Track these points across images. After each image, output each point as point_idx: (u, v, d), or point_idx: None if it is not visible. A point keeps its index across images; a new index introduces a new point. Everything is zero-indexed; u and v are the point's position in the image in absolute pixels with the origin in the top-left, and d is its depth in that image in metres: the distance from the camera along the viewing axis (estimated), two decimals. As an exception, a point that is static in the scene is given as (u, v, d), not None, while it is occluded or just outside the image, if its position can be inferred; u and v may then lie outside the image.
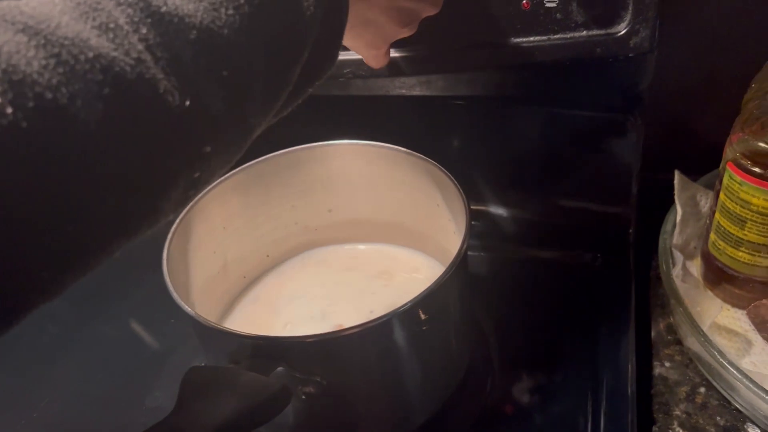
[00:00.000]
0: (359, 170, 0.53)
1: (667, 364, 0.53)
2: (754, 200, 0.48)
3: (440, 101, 0.59)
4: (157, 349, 0.59)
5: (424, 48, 0.54)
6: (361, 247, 0.58)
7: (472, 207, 0.52)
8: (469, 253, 0.45)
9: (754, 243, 0.50)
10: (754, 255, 0.51)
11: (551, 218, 0.62)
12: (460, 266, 0.43)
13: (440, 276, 0.41)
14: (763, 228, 0.49)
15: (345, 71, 0.56)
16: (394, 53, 0.54)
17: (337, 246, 0.58)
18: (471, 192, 0.54)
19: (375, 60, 0.48)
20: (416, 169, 0.51)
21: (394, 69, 0.55)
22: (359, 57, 0.52)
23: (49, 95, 0.21)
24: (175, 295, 0.41)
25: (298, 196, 0.55)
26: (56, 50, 0.22)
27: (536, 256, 0.61)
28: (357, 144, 0.52)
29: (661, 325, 0.56)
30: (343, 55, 0.55)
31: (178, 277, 0.44)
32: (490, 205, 0.63)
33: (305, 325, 0.50)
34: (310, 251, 0.57)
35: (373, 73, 0.56)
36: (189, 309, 0.40)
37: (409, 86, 0.58)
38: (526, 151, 0.61)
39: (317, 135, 0.54)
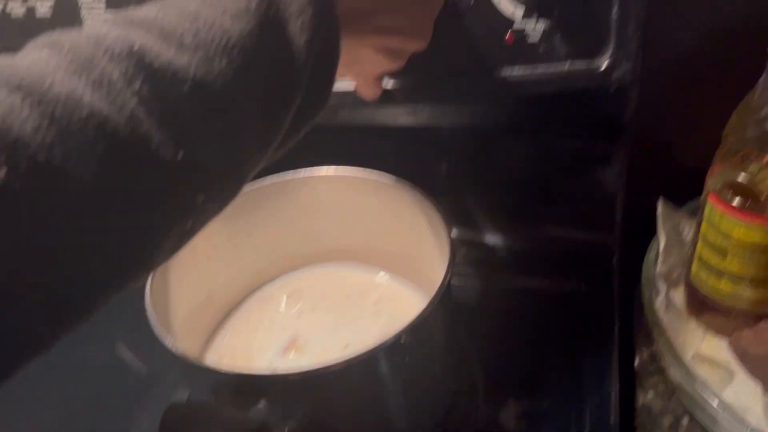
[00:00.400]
0: (345, 197, 0.54)
1: (651, 394, 0.53)
2: (735, 232, 0.49)
3: (426, 130, 0.60)
4: (142, 375, 0.59)
5: (410, 79, 0.54)
6: (347, 274, 0.58)
7: (458, 235, 0.52)
8: (453, 280, 0.45)
9: (735, 274, 0.50)
10: (736, 286, 0.51)
11: (536, 246, 0.62)
12: (443, 298, 0.43)
13: (424, 308, 0.41)
14: (744, 259, 0.49)
15: (332, 101, 0.56)
16: (379, 83, 0.54)
17: (322, 273, 0.58)
18: (457, 220, 0.55)
19: (366, 91, 0.48)
20: (401, 197, 0.51)
21: (380, 99, 0.55)
22: (347, 88, 0.53)
23: (42, 155, 0.22)
24: (156, 328, 0.41)
25: (283, 223, 0.55)
26: (50, 109, 0.22)
27: (521, 283, 0.61)
28: (343, 171, 0.53)
29: (645, 354, 0.56)
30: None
31: (161, 308, 0.44)
32: (475, 233, 0.64)
33: (289, 356, 0.50)
34: (294, 279, 0.58)
35: (359, 103, 0.56)
36: (170, 343, 0.40)
37: (395, 116, 0.58)
38: (511, 179, 0.61)
39: (303, 163, 0.55)
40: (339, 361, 0.38)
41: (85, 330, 0.62)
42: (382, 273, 0.57)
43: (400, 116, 0.58)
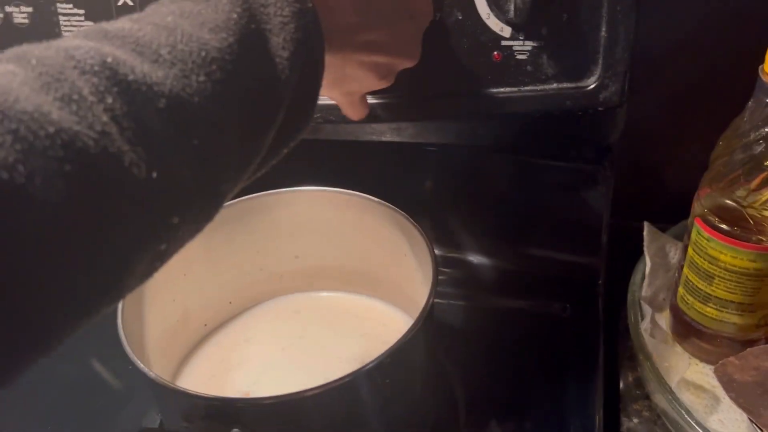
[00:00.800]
0: (327, 217, 0.52)
1: (635, 420, 0.52)
2: (722, 257, 0.48)
3: (411, 148, 0.59)
4: (114, 393, 0.57)
5: (396, 96, 0.53)
6: (327, 295, 0.57)
7: (441, 254, 0.51)
8: (437, 300, 0.44)
9: (721, 299, 0.50)
10: (722, 311, 0.50)
11: (521, 267, 0.61)
12: (426, 322, 0.42)
13: (405, 333, 0.40)
14: (731, 284, 0.49)
15: (315, 116, 0.55)
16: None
17: (302, 294, 0.57)
18: (441, 239, 0.54)
19: (352, 109, 0.47)
20: (384, 218, 0.50)
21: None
22: (330, 102, 0.52)
23: (4, 175, 0.20)
24: (128, 349, 0.39)
25: (264, 241, 0.54)
26: (14, 126, 0.21)
27: (505, 305, 0.60)
28: (324, 191, 0.52)
29: (630, 379, 0.56)
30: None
31: (135, 326, 0.43)
32: (459, 253, 0.63)
33: (266, 378, 0.49)
34: (274, 299, 0.56)
35: (344, 119, 0.55)
36: (141, 365, 0.38)
37: (380, 132, 0.57)
38: (496, 199, 0.60)
39: (284, 180, 0.53)
40: (315, 386, 0.37)
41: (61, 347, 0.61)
42: (363, 296, 0.56)
43: (385, 133, 0.57)
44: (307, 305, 0.56)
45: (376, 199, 0.50)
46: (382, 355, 0.38)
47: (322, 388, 0.37)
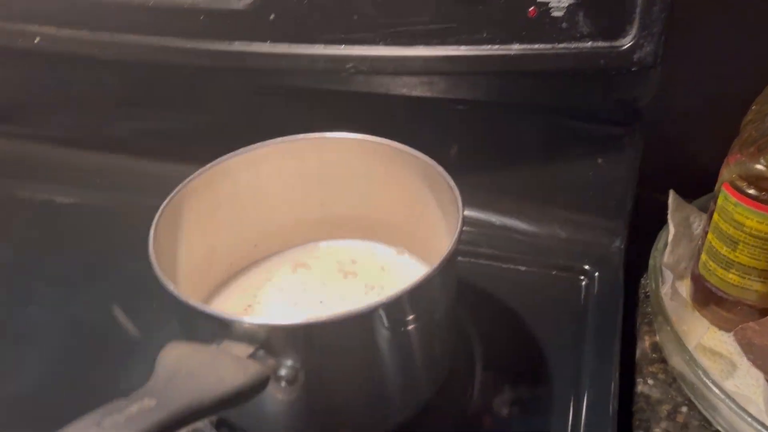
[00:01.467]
0: (354, 164, 0.53)
1: (650, 382, 0.53)
2: (748, 222, 0.48)
3: (441, 103, 0.59)
4: (134, 335, 0.58)
5: (429, 49, 0.53)
6: (350, 244, 0.57)
7: (463, 213, 0.51)
8: (458, 258, 0.44)
9: (744, 265, 0.50)
10: (744, 278, 0.50)
11: (543, 228, 0.62)
12: (449, 264, 0.42)
13: (429, 272, 0.40)
14: (755, 250, 0.49)
15: (348, 66, 0.56)
16: (397, 52, 0.53)
17: (326, 241, 0.57)
18: (464, 197, 0.54)
19: None
20: (412, 167, 0.50)
21: (397, 67, 0.55)
22: (362, 53, 0.52)
23: None
24: (159, 273, 0.40)
25: (290, 186, 0.54)
26: None
27: (525, 266, 0.60)
28: (354, 137, 0.52)
29: (647, 344, 0.56)
30: (346, 50, 0.55)
31: (164, 260, 0.43)
32: (482, 212, 0.63)
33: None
34: (298, 245, 0.57)
35: (376, 70, 0.56)
36: (170, 286, 0.39)
37: (411, 86, 0.58)
38: (522, 158, 0.60)
39: (314, 128, 0.54)
40: (338, 314, 0.37)
41: (82, 289, 0.62)
42: (387, 246, 0.56)
43: (416, 87, 0.58)
44: (329, 252, 0.57)
45: (405, 147, 0.50)
46: (406, 289, 0.39)
47: (343, 315, 0.37)
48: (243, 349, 0.37)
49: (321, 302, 0.52)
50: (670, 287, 0.55)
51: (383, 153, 0.52)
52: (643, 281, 0.61)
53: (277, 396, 0.41)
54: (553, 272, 0.60)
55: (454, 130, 0.61)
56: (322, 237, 0.57)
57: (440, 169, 0.47)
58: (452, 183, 0.46)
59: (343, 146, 0.53)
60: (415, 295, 0.40)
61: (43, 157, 0.77)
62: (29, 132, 0.78)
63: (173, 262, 0.46)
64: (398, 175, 0.52)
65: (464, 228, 0.44)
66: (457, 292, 0.48)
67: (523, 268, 0.60)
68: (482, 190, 0.62)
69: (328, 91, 0.58)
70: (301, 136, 0.53)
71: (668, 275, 0.57)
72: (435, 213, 0.51)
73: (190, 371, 0.33)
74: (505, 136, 0.60)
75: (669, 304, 0.53)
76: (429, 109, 0.60)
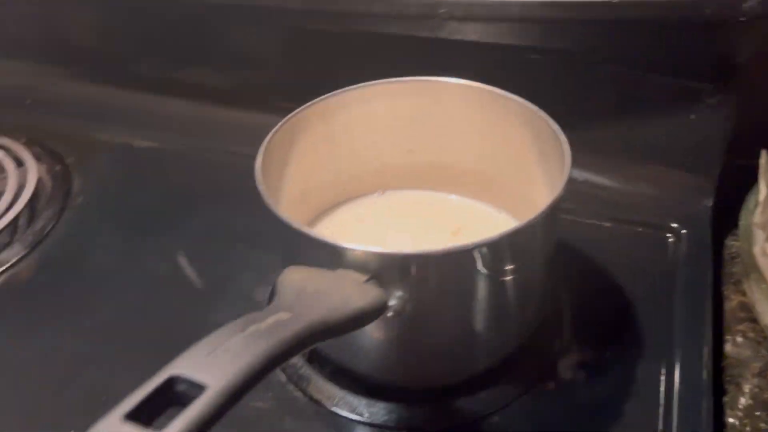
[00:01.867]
0: (446, 109, 0.52)
1: (740, 341, 0.52)
2: None
3: (531, 53, 0.58)
4: (210, 281, 0.58)
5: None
6: (438, 195, 0.57)
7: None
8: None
9: None
10: (843, 236, 0.49)
11: (629, 185, 0.61)
12: (554, 211, 0.42)
13: (536, 215, 0.40)
14: None
15: (441, 11, 0.55)
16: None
17: (412, 191, 0.57)
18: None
19: None
20: (512, 116, 0.49)
21: (491, 13, 0.54)
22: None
23: None
24: (268, 200, 0.40)
25: (381, 131, 0.54)
26: None
27: (610, 222, 0.60)
28: (448, 81, 0.51)
29: (734, 303, 0.55)
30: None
31: (268, 192, 0.43)
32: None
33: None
34: (385, 191, 0.57)
35: (469, 16, 0.55)
36: (284, 215, 0.39)
37: (504, 34, 0.57)
38: (611, 113, 0.60)
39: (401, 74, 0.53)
40: (450, 246, 0.37)
41: (154, 235, 0.62)
42: (476, 200, 0.56)
43: (509, 35, 0.57)
44: (416, 201, 0.56)
45: (509, 93, 0.49)
46: (510, 231, 0.39)
47: (455, 248, 0.37)
48: (358, 277, 0.37)
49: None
50: (762, 246, 0.55)
51: (479, 98, 0.51)
52: (727, 242, 0.61)
53: (380, 327, 0.41)
54: (639, 229, 0.59)
55: (542, 82, 0.60)
56: (407, 185, 0.57)
57: (548, 119, 0.46)
58: (562, 136, 0.45)
59: (436, 90, 0.52)
60: (521, 238, 0.40)
61: (123, 101, 0.78)
62: (110, 77, 0.79)
63: (275, 194, 0.46)
64: (496, 124, 0.51)
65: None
66: (556, 245, 0.47)
67: (607, 224, 0.60)
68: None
69: (418, 38, 0.58)
70: (395, 79, 0.53)
71: (759, 235, 0.56)
72: (535, 167, 0.50)
73: (316, 290, 0.34)
74: (595, 89, 0.59)
75: (761, 261, 0.52)
76: (518, 60, 0.59)
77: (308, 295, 0.33)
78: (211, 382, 0.26)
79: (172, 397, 0.26)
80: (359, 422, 0.46)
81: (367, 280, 0.37)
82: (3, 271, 0.60)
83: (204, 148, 0.72)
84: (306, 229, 0.39)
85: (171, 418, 0.25)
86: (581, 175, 0.62)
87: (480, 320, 0.44)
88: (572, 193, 0.61)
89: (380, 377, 0.45)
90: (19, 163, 0.71)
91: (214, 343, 0.28)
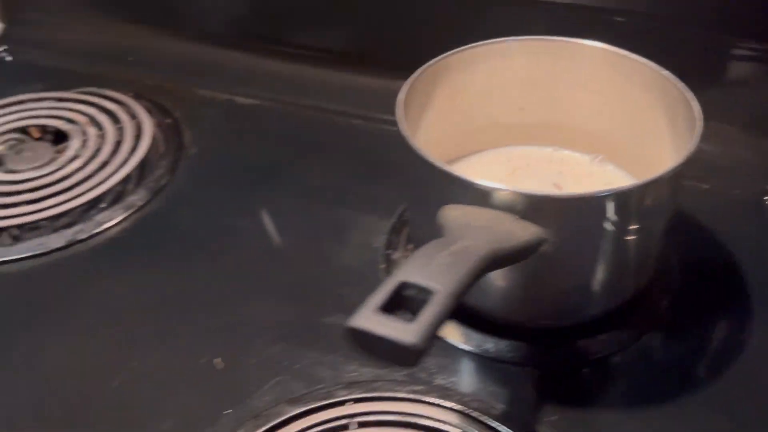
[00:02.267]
0: (572, 70, 0.54)
1: None
2: None
3: (630, 16, 0.60)
4: (324, 229, 0.62)
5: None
6: (550, 151, 0.59)
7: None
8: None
9: None
10: None
11: (727, 148, 0.63)
12: (684, 167, 0.44)
13: (668, 169, 0.43)
14: None
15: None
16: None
17: (526, 147, 0.59)
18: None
19: None
20: (637, 77, 0.52)
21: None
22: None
23: None
24: (411, 141, 0.44)
25: (496, 88, 0.56)
26: None
27: (707, 184, 0.62)
28: (579, 42, 0.53)
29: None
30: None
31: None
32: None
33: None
34: (497, 148, 0.59)
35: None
36: (431, 157, 0.42)
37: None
38: (708, 80, 0.61)
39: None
40: (597, 191, 0.40)
41: (261, 192, 0.65)
42: (589, 155, 0.58)
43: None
44: (540, 158, 0.58)
45: (633, 54, 0.51)
46: (652, 178, 0.41)
47: (601, 192, 0.41)
48: (509, 216, 0.40)
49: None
50: None
51: (593, 57, 0.53)
52: None
53: (516, 266, 0.44)
54: (737, 191, 0.61)
55: (651, 46, 0.62)
56: (517, 143, 0.60)
57: (678, 82, 0.49)
58: (693, 98, 0.47)
59: (567, 50, 0.54)
60: (658, 188, 0.43)
61: (227, 60, 0.81)
62: (216, 36, 0.82)
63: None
64: (623, 86, 0.53)
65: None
66: (676, 205, 0.50)
67: (705, 186, 0.62)
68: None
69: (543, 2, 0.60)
70: (516, 38, 0.55)
71: None
72: (657, 126, 0.52)
73: (481, 225, 0.37)
74: (697, 55, 0.61)
75: None
76: (615, 23, 0.61)
77: (476, 228, 0.37)
78: (438, 288, 0.29)
79: (399, 300, 0.30)
80: (486, 357, 0.49)
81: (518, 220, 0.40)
82: (129, 216, 0.64)
83: (303, 105, 0.75)
84: (456, 171, 0.42)
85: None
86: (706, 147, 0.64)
87: (606, 265, 0.47)
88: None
89: (509, 315, 0.49)
90: (132, 115, 0.74)
91: (425, 259, 0.31)
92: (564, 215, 0.42)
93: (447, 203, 0.42)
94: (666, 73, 0.50)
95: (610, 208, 0.42)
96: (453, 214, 0.39)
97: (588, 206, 0.42)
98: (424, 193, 0.46)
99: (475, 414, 0.45)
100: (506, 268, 0.43)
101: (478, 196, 0.41)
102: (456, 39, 0.54)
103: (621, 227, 0.44)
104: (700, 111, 0.46)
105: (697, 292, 0.54)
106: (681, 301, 0.53)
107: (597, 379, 0.49)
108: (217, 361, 0.50)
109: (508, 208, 0.40)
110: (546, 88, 0.57)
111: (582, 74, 0.55)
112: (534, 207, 0.40)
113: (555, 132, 0.59)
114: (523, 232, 0.38)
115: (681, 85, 0.49)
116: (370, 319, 0.29)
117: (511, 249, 0.36)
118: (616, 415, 0.47)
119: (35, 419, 0.48)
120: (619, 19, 0.63)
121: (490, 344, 0.50)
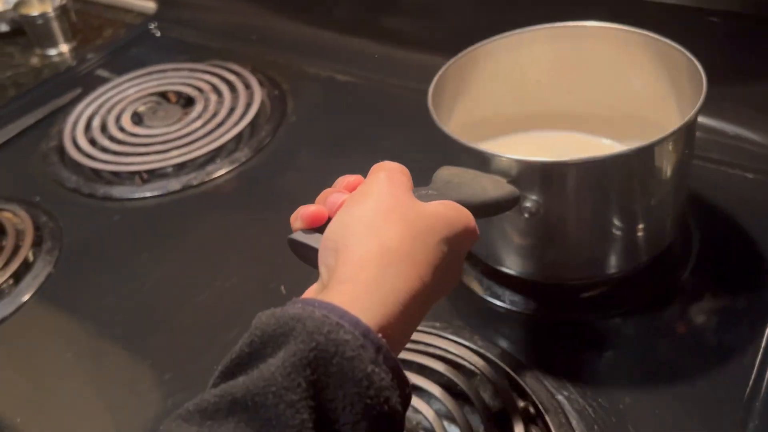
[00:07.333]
0: (606, 54, 0.59)
1: None
2: None
3: (696, 13, 0.63)
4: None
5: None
6: (588, 137, 0.64)
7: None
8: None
9: None
10: None
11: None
12: (686, 133, 0.49)
13: (665, 134, 0.47)
14: None
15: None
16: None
17: (564, 132, 0.64)
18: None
19: None
20: (647, 54, 0.56)
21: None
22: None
23: None
24: (435, 116, 0.52)
25: (545, 71, 0.62)
26: None
27: (753, 174, 0.64)
28: (607, 27, 0.58)
29: None
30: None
31: (439, 114, 0.53)
32: (718, 121, 0.67)
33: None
34: (538, 130, 0.64)
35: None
36: (444, 127, 0.50)
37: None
38: (762, 73, 0.63)
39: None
40: (581, 157, 0.46)
41: (346, 156, 0.75)
42: (620, 140, 0.62)
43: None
44: (570, 142, 0.63)
45: (653, 34, 0.55)
46: (643, 145, 0.46)
47: (584, 159, 0.47)
48: (498, 178, 0.47)
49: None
50: None
51: (634, 43, 0.57)
52: None
53: (520, 226, 0.51)
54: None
55: (705, 43, 0.65)
56: (561, 128, 0.65)
57: (686, 54, 0.53)
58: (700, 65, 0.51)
59: (596, 35, 0.59)
60: (647, 155, 0.48)
61: (330, 42, 0.92)
62: (327, 20, 0.94)
63: (445, 120, 0.56)
64: (637, 65, 0.58)
65: (697, 134, 0.49)
66: (687, 174, 0.54)
67: (750, 176, 0.64)
68: (724, 100, 0.66)
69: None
70: (553, 24, 0.60)
71: None
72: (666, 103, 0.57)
73: (460, 182, 0.45)
74: (755, 50, 0.64)
75: None
76: (682, 18, 0.65)
77: (453, 185, 0.44)
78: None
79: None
80: (502, 308, 0.57)
81: (508, 182, 0.47)
82: (234, 169, 0.76)
83: (390, 83, 0.84)
84: (459, 138, 0.49)
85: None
86: (732, 129, 0.67)
87: (610, 229, 0.52)
88: (720, 145, 0.67)
89: (521, 270, 0.56)
90: (247, 86, 0.87)
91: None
92: (548, 180, 0.48)
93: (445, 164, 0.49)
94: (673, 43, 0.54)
95: (596, 174, 0.48)
96: (442, 172, 0.46)
97: (568, 172, 0.48)
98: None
99: (484, 351, 0.53)
100: (515, 225, 0.51)
101: (466, 156, 0.49)
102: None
103: (609, 193, 0.50)
104: (705, 78, 0.50)
105: (717, 269, 0.58)
106: (697, 274, 0.57)
107: (602, 336, 0.55)
108: (282, 287, 0.61)
109: (499, 172, 0.48)
110: (568, 71, 0.62)
111: (599, 55, 0.59)
112: (519, 172, 0.47)
113: (576, 117, 0.63)
114: (496, 190, 0.45)
115: (688, 53, 0.53)
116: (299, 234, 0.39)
117: (479, 203, 0.43)
118: (611, 371, 0.52)
119: (140, 317, 0.62)
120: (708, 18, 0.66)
121: (506, 296, 0.57)
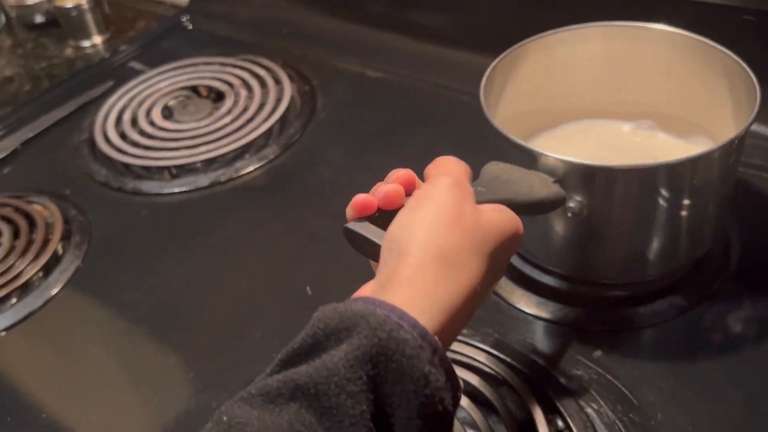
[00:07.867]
0: (651, 54, 0.58)
1: None
2: None
3: (732, 12, 0.61)
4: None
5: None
6: (638, 130, 0.62)
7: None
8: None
9: None
10: None
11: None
12: (734, 146, 0.47)
13: (712, 147, 0.46)
14: None
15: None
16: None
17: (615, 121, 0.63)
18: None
19: None
20: (708, 63, 0.55)
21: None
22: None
23: None
24: (486, 110, 0.51)
25: (596, 69, 0.61)
26: None
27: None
28: (656, 28, 0.57)
29: None
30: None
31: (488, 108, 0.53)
32: (766, 126, 0.65)
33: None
34: (591, 120, 0.63)
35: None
36: (496, 123, 0.49)
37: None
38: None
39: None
40: (630, 164, 0.45)
41: (376, 153, 0.74)
42: (673, 137, 0.60)
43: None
44: (618, 137, 0.62)
45: (708, 41, 0.54)
46: (688, 157, 0.45)
47: (632, 166, 0.46)
48: (546, 177, 0.46)
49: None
50: None
51: (692, 49, 0.56)
52: None
53: (563, 226, 0.50)
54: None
55: (750, 40, 0.63)
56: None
57: (743, 65, 0.51)
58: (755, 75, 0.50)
59: (654, 37, 0.57)
60: (696, 165, 0.47)
61: (361, 37, 0.91)
62: (358, 16, 0.93)
63: (492, 112, 0.55)
64: (693, 71, 0.56)
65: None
66: (733, 184, 0.52)
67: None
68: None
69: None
70: (614, 23, 0.59)
71: None
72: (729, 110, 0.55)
73: (508, 179, 0.44)
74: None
75: None
76: (719, 19, 0.63)
77: (501, 181, 0.44)
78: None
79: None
80: (531, 315, 0.55)
81: (554, 182, 0.46)
82: (262, 165, 0.76)
83: (420, 79, 0.83)
84: (509, 134, 0.48)
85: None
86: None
87: (653, 233, 0.51)
88: (764, 151, 0.65)
89: (559, 267, 0.55)
90: (277, 81, 0.87)
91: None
92: (595, 182, 0.47)
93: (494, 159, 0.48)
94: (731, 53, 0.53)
95: (644, 181, 0.47)
96: (491, 167, 0.45)
97: (615, 177, 0.47)
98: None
99: (511, 360, 0.52)
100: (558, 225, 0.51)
101: (515, 153, 0.48)
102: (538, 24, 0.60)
103: (656, 200, 0.48)
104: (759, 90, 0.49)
105: (755, 275, 0.56)
106: (736, 279, 0.56)
107: (635, 347, 0.53)
108: (308, 288, 0.60)
109: (546, 171, 0.47)
110: (636, 71, 0.60)
111: (653, 56, 0.58)
112: (566, 172, 0.46)
113: (628, 110, 0.62)
114: (544, 189, 0.45)
115: (744, 65, 0.51)
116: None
117: (526, 201, 0.43)
118: (643, 384, 0.50)
119: (165, 314, 0.61)
120: (745, 17, 0.64)
121: (539, 303, 0.56)
